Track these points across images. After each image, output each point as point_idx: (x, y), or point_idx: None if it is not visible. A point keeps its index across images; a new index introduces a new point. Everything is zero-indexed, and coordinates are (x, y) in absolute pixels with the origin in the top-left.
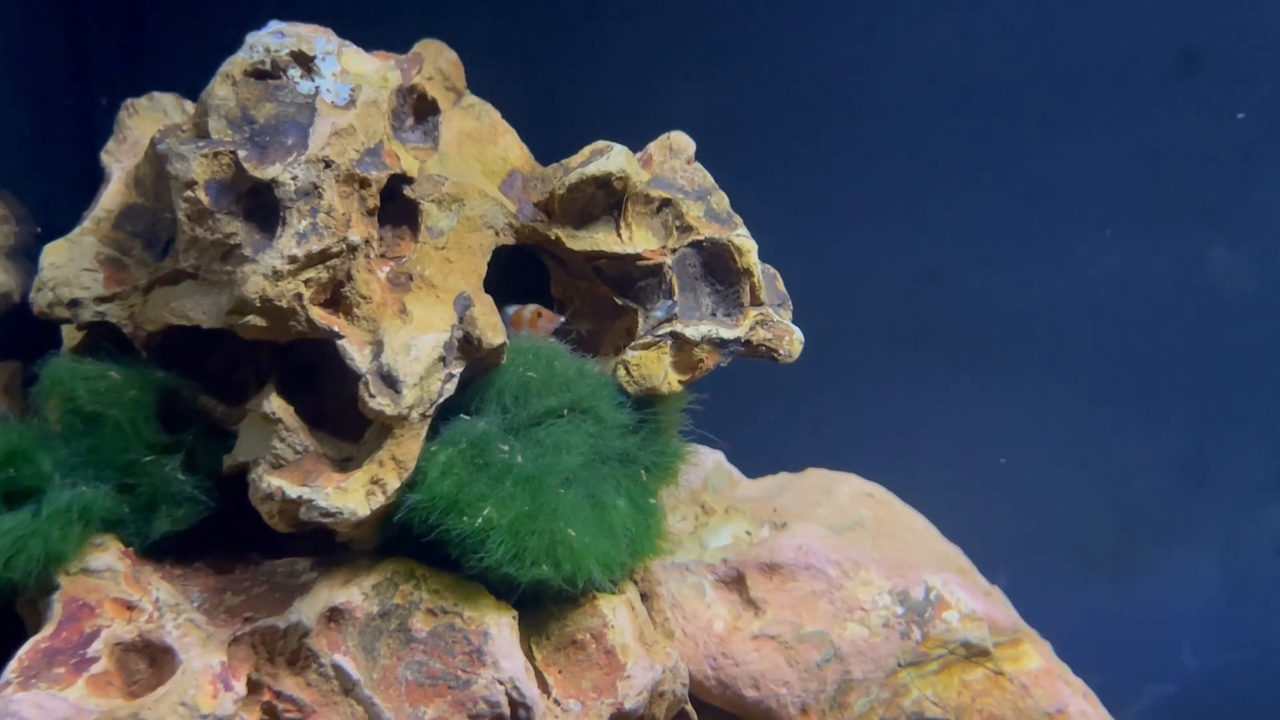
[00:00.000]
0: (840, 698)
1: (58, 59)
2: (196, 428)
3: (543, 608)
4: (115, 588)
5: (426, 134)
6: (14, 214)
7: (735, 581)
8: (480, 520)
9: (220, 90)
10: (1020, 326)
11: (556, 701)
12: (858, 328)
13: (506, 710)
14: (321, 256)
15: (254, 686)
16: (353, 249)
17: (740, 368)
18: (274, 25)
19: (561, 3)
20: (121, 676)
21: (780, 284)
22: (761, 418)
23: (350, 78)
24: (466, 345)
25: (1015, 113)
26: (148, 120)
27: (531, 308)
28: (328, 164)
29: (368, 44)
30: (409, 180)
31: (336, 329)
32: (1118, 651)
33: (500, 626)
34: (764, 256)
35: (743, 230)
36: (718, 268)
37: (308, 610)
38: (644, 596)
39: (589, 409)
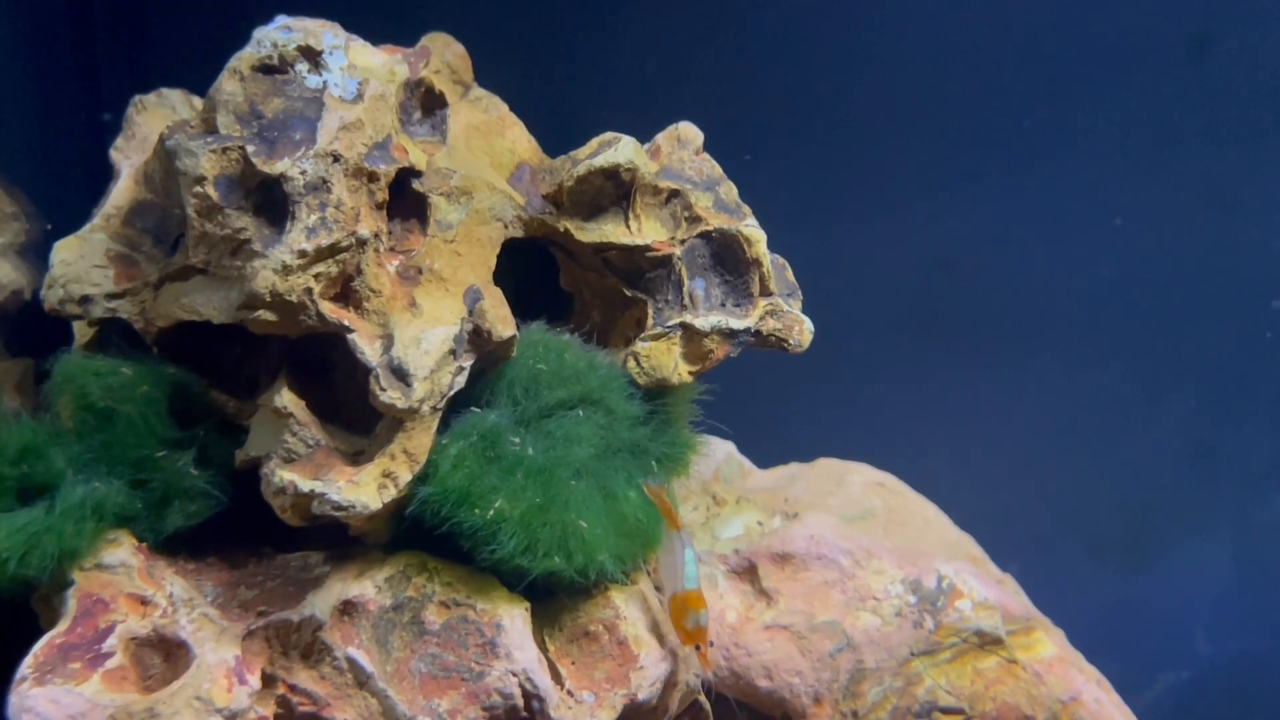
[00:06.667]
0: (853, 687)
1: (66, 56)
2: (208, 423)
3: (555, 599)
4: (129, 583)
5: (434, 127)
6: (24, 211)
7: (747, 572)
8: (492, 513)
9: (228, 85)
10: (1030, 315)
11: (570, 693)
12: (868, 317)
13: (520, 701)
14: (331, 250)
15: (268, 680)
16: (362, 243)
17: (750, 358)
18: (281, 20)
19: None
20: (136, 671)
21: (789, 274)
22: (772, 408)
23: (358, 72)
24: (476, 338)
25: (1024, 101)
26: (156, 116)
27: (704, 619)
28: (336, 158)
29: (375, 38)
30: (417, 174)
31: (346, 323)
32: (1131, 639)
33: (513, 618)
34: (773, 247)
35: (751, 220)
36: (727, 258)
37: (321, 604)
38: (656, 587)
39: (599, 401)
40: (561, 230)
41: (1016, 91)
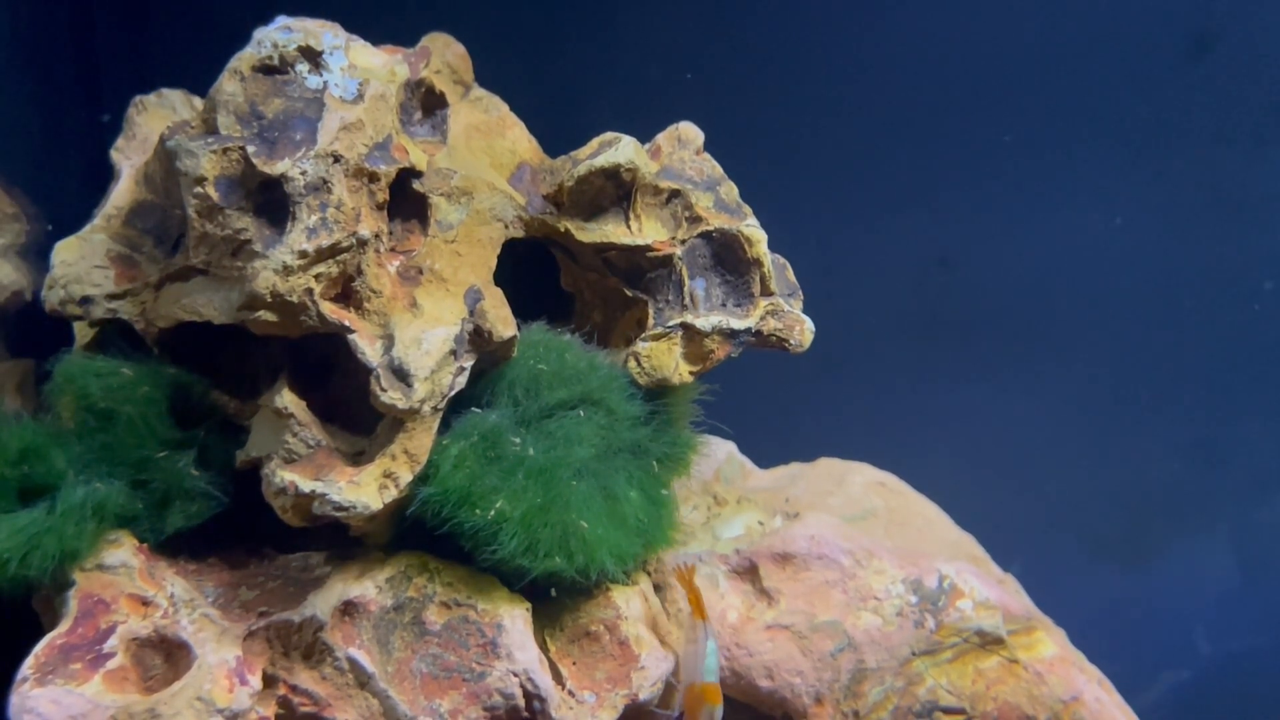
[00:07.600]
0: (854, 687)
1: (66, 56)
2: (209, 423)
3: (556, 599)
4: (130, 584)
5: (435, 128)
6: (25, 212)
7: (748, 572)
8: (493, 513)
9: (228, 86)
10: (1031, 314)
11: (571, 693)
12: (868, 317)
13: (521, 702)
14: (331, 251)
15: (269, 681)
16: (362, 243)
17: (751, 358)
18: (281, 20)
19: None
20: (137, 672)
21: (790, 274)
22: (773, 408)
23: (358, 72)
24: (477, 338)
25: (1025, 100)
26: (156, 117)
27: (718, 714)
28: (336, 158)
29: (375, 38)
30: (418, 174)
31: (347, 323)
32: (1132, 638)
33: (514, 619)
34: (773, 246)
35: (752, 220)
36: (727, 258)
37: (322, 604)
38: (657, 588)
39: (600, 401)
40: (562, 230)
41: (1017, 91)
